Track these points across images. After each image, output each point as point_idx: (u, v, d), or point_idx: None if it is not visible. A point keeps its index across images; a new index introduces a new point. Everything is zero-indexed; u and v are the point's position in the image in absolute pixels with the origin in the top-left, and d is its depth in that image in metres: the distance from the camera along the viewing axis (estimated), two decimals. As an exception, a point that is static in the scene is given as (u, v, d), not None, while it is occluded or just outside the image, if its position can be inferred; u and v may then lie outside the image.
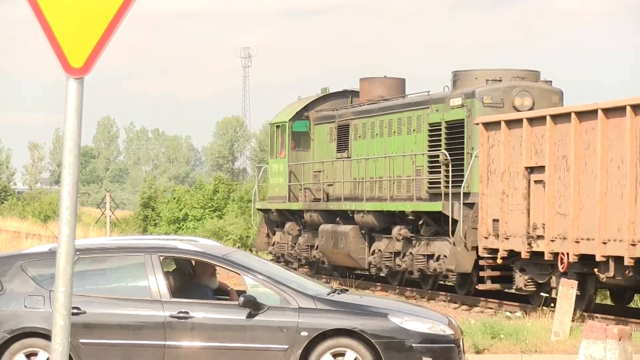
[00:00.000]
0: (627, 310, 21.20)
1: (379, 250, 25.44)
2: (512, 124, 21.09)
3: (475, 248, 21.69)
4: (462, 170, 22.34)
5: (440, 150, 22.93)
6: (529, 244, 20.41)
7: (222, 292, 11.82)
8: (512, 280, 21.50)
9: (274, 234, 31.49)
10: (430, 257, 23.55)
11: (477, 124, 21.44)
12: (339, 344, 11.13)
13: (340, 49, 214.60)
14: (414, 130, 25.25)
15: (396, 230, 24.40)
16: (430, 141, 23.79)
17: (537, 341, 16.13)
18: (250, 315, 10.93)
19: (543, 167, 19.97)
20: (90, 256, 11.54)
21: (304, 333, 11.00)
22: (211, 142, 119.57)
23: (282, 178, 30.88)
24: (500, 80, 22.82)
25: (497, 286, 21.95)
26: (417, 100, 25.25)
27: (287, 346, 10.84)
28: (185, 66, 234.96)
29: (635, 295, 22.86)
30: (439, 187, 23.03)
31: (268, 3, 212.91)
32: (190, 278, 11.83)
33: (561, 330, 16.59)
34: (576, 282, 17.93)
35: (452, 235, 22.29)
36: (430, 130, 23.81)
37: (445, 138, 23.09)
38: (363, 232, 26.32)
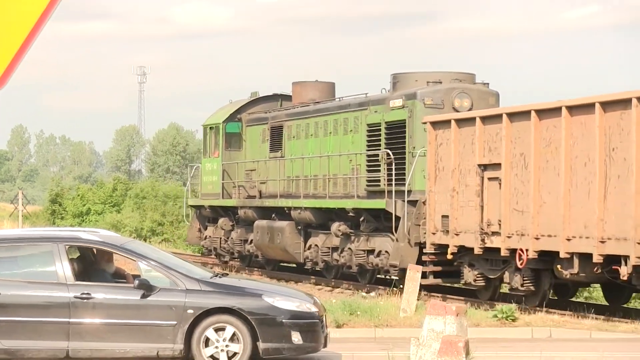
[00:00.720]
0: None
1: (316, 245, 25.32)
2: (463, 122, 20.82)
3: (418, 244, 21.58)
4: (404, 169, 22.22)
5: (379, 149, 22.81)
6: (483, 240, 20.02)
7: (119, 276, 12.85)
8: (459, 275, 21.50)
9: (206, 229, 31.87)
10: (370, 252, 23.38)
11: (425, 122, 21.24)
12: (220, 320, 12.35)
13: (225, 69, 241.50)
14: (350, 130, 24.95)
15: (335, 226, 23.99)
16: (369, 141, 23.60)
17: (388, 317, 17.72)
18: (144, 296, 12.10)
19: (498, 164, 19.66)
20: (5, 245, 12.81)
21: (190, 311, 12.22)
22: (111, 147, 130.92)
23: (215, 176, 30.83)
24: (440, 82, 22.73)
25: (438, 281, 22.02)
26: (353, 102, 25.13)
27: (175, 322, 12.03)
28: (89, 82, 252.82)
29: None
30: (379, 185, 22.87)
31: (159, 29, 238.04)
32: (92, 264, 12.87)
33: (408, 308, 18.21)
34: (421, 267, 19.69)
35: (395, 231, 22.03)
36: (369, 131, 23.61)
37: (385, 138, 22.92)
38: (299, 228, 26.27)
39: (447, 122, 20.85)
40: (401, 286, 19.70)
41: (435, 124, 21.10)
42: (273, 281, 24.16)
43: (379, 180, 22.82)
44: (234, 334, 12.39)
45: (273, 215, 27.26)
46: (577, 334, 17.17)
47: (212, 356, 12.33)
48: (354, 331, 16.93)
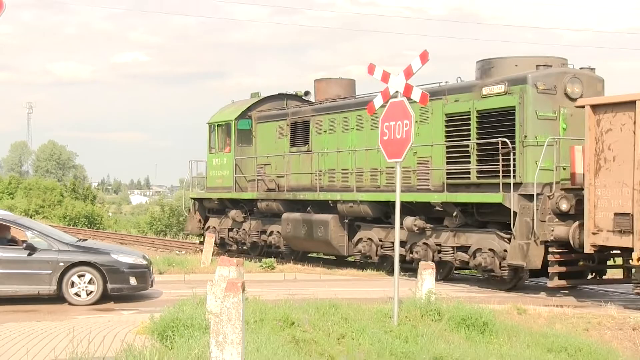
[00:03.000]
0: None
1: (369, 239, 20.75)
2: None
3: (544, 242, 16.51)
4: (510, 160, 16.80)
5: (467, 140, 17.89)
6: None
7: (14, 241, 14.76)
8: (583, 275, 17.50)
9: (207, 220, 28.26)
10: (460, 249, 18.27)
11: (582, 106, 15.72)
12: (82, 270, 14.09)
13: (85, 105, 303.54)
14: (415, 122, 19.56)
15: (410, 220, 18.83)
16: (448, 132, 18.50)
17: (193, 267, 20.09)
18: (29, 254, 14.03)
19: None
20: None
21: (61, 264, 14.01)
22: (7, 155, 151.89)
23: (226, 170, 26.64)
24: (550, 66, 17.71)
25: (563, 283, 16.64)
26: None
27: (51, 271, 13.99)
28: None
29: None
30: (467, 177, 17.91)
31: (44, 77, 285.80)
32: (-6, 233, 15.58)
33: (206, 261, 20.66)
34: (213, 235, 22.16)
35: (512, 228, 16.92)
36: (448, 121, 18.48)
37: (477, 127, 17.73)
38: (345, 221, 21.81)
39: (619, 105, 15.09)
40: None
41: (596, 108, 15.46)
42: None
43: (467, 173, 17.97)
44: (91, 279, 14.20)
45: (309, 208, 23.11)
46: (312, 276, 19.92)
47: (76, 293, 14.15)
48: (171, 276, 18.88)
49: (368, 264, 21.21)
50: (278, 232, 24.25)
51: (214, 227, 27.24)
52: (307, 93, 26.07)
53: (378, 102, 12.65)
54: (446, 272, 19.16)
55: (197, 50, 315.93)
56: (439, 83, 19.60)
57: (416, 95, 11.81)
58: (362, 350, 9.72)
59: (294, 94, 26.28)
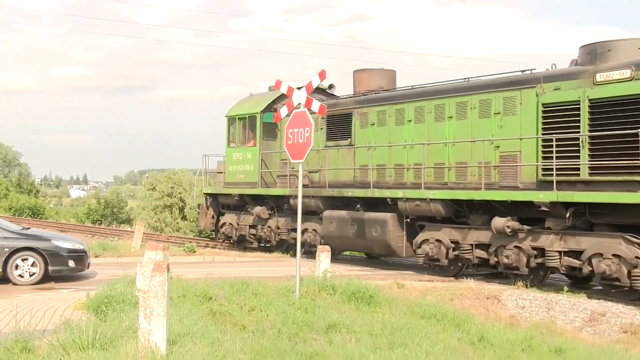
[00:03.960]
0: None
1: (437, 240, 16.57)
2: None
3: None
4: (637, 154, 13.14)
5: (577, 132, 13.82)
6: None
7: None
8: None
9: (222, 216, 23.73)
10: (568, 253, 14.14)
11: None
12: (25, 254, 13.85)
13: (30, 113, 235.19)
14: (496, 113, 15.81)
15: (502, 222, 14.79)
16: (546, 123, 14.48)
17: (124, 251, 19.88)
18: None
19: None
20: None
21: (6, 249, 13.76)
22: None
23: (249, 165, 22.24)
24: None
25: None
26: (496, 81, 16.07)
27: None
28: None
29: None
30: (577, 174, 13.84)
31: None
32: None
33: (136, 246, 20.27)
34: (143, 224, 23.67)
35: None
36: (546, 112, 14.52)
37: (590, 118, 13.57)
38: (407, 220, 17.76)
39: None
40: None
41: None
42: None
43: (574, 169, 13.90)
44: (33, 262, 14.08)
45: (358, 206, 18.79)
46: (228, 259, 20.29)
47: (20, 275, 14.00)
48: (105, 259, 18.97)
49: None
50: (314, 230, 20.00)
51: (230, 223, 23.09)
52: (331, 86, 22.05)
53: (284, 112, 12.82)
54: (541, 278, 15.27)
55: (130, 66, 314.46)
56: (531, 70, 15.72)
57: (315, 106, 11.97)
58: (269, 320, 9.83)
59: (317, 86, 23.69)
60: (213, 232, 24.70)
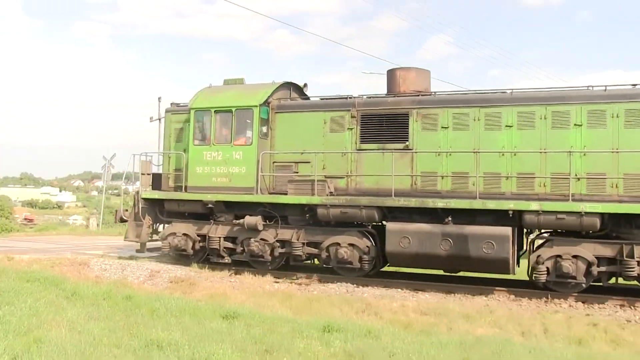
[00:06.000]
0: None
1: (573, 256, 14.64)
2: None
3: None
4: None
5: None
6: None
7: None
8: None
9: (165, 225, 19.82)
10: None
11: None
12: None
13: None
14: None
15: None
16: None
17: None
18: None
19: None
20: None
21: None
22: None
23: (237, 167, 18.07)
24: None
25: None
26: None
27: None
28: None
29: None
30: None
31: None
32: None
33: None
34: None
35: None
36: None
37: None
38: (530, 234, 16.08)
39: None
40: None
41: None
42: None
43: None
44: None
45: (448, 218, 15.76)
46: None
47: None
48: None
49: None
50: (350, 244, 16.86)
51: (184, 234, 18.77)
52: (305, 85, 19.48)
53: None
54: None
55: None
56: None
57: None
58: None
59: (297, 84, 19.52)
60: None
